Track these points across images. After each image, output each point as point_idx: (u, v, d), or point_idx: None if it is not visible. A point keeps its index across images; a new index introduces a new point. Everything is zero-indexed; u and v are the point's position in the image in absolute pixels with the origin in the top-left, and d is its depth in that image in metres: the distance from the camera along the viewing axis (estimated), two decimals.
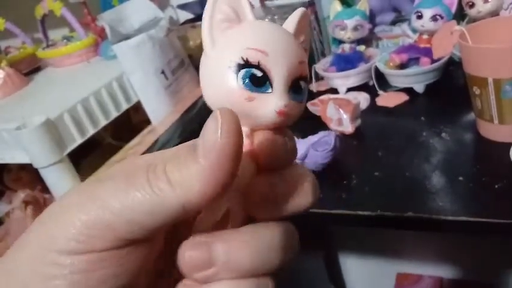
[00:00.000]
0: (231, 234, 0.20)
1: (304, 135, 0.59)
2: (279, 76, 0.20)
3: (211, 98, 0.21)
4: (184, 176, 0.18)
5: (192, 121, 0.77)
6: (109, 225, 0.18)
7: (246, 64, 0.20)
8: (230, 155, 0.18)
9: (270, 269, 0.20)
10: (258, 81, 0.20)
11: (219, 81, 0.21)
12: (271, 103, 0.20)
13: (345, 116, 0.63)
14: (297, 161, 0.57)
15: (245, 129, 0.21)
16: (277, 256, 0.20)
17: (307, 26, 0.24)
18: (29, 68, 1.07)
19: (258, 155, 0.22)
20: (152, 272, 0.22)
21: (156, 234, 0.20)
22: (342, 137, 0.63)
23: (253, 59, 0.20)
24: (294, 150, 0.23)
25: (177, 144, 0.22)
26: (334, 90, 0.77)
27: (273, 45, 0.21)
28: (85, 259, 0.18)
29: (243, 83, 0.20)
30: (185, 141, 0.21)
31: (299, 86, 0.21)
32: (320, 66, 0.79)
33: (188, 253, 0.19)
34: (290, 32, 0.22)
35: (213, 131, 0.18)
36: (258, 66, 0.20)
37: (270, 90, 0.20)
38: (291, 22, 0.23)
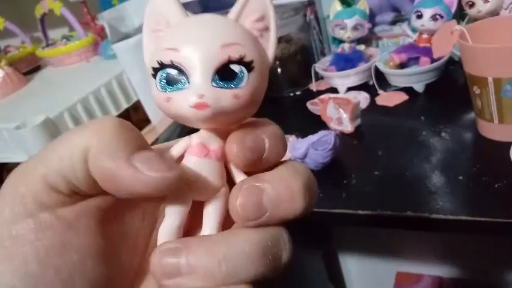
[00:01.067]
0: (201, 241, 0.20)
1: (304, 135, 0.59)
2: (194, 68, 0.19)
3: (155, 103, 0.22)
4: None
5: None
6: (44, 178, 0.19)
7: (160, 67, 0.20)
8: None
9: (246, 278, 0.19)
10: (174, 79, 0.20)
11: (152, 91, 0.21)
12: (185, 99, 0.19)
13: (345, 116, 0.63)
14: (297, 160, 0.57)
15: (204, 133, 0.21)
16: (254, 265, 0.19)
17: (259, 3, 0.21)
18: (28, 68, 1.07)
19: (224, 159, 0.21)
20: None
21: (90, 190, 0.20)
22: (342, 136, 0.63)
23: (165, 59, 0.20)
24: (276, 148, 0.21)
25: None
26: (334, 90, 0.77)
27: (185, 38, 0.20)
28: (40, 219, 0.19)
29: (160, 85, 0.20)
30: None
31: (229, 72, 0.19)
32: (319, 66, 0.79)
33: (157, 259, 0.19)
34: (230, 16, 0.21)
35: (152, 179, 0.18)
36: (171, 65, 0.19)
37: (186, 86, 0.19)
38: (235, 5, 0.21)
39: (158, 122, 0.79)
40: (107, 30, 0.77)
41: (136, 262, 0.22)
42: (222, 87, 0.19)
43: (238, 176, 0.21)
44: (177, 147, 0.22)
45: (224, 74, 0.19)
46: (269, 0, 0.22)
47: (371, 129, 0.65)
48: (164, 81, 0.20)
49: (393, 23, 0.81)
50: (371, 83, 0.75)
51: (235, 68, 0.20)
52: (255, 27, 0.21)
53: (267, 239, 0.19)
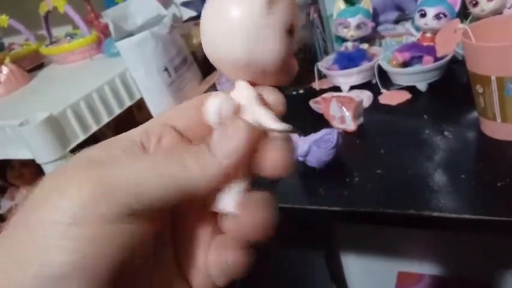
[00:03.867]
0: None
1: (306, 133, 0.59)
2: None
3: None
4: (200, 166, 0.21)
5: None
6: (122, 201, 0.20)
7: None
8: (243, 159, 0.22)
9: None
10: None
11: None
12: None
13: (348, 114, 0.63)
14: (300, 158, 0.57)
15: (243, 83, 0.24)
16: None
17: None
18: (32, 65, 1.08)
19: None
20: (147, 256, 0.23)
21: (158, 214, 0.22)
22: (344, 134, 0.63)
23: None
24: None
25: None
26: (337, 88, 0.77)
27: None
28: (88, 232, 0.19)
29: None
30: None
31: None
32: (322, 64, 0.79)
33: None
34: None
35: (237, 139, 0.21)
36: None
37: None
38: None
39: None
40: (111, 28, 0.77)
41: None
42: None
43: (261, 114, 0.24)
44: (239, 94, 0.24)
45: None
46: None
47: (373, 128, 0.65)
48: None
49: (397, 21, 0.81)
50: (374, 81, 0.75)
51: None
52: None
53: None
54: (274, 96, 0.24)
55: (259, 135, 0.23)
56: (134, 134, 0.23)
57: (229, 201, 0.22)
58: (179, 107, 0.25)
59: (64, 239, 0.19)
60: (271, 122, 0.23)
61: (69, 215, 0.19)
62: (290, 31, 0.23)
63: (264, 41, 0.22)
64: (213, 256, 0.24)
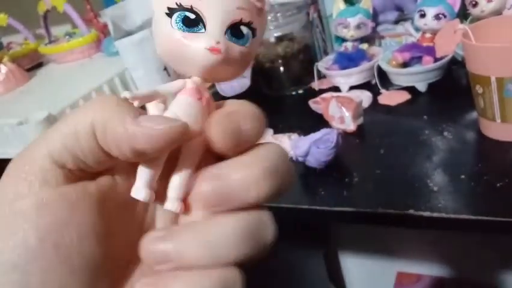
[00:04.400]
0: (187, 229, 0.21)
1: (306, 133, 0.59)
2: (212, 18, 0.22)
3: (159, 48, 0.23)
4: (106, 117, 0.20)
5: None
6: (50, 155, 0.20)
7: (179, 8, 0.22)
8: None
9: (232, 259, 0.20)
10: (191, 22, 0.22)
11: (160, 29, 0.22)
12: (203, 41, 0.22)
13: (347, 114, 0.63)
14: (300, 158, 0.57)
15: (198, 80, 0.23)
16: (237, 247, 0.20)
17: None
18: (31, 64, 1.07)
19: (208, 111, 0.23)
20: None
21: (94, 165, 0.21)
22: (344, 134, 0.63)
23: (185, 3, 0.22)
24: (251, 131, 0.22)
25: None
26: (336, 89, 0.77)
27: None
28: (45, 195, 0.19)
29: (176, 25, 0.22)
30: None
31: (239, 31, 0.22)
32: (322, 65, 0.79)
33: (146, 247, 0.21)
34: None
35: (161, 131, 0.20)
36: (191, 9, 0.22)
37: (202, 30, 0.22)
38: None
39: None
40: (110, 27, 0.77)
41: (133, 242, 0.22)
42: (231, 41, 0.22)
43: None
44: (170, 85, 0.23)
45: (234, 31, 0.22)
46: None
47: (373, 128, 0.65)
48: (181, 22, 0.22)
49: (397, 22, 0.81)
50: (373, 82, 0.75)
51: (244, 29, 0.23)
52: (256, 6, 0.24)
53: (247, 222, 0.21)
54: (241, 107, 0.22)
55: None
56: None
57: (138, 189, 0.22)
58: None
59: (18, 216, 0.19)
60: None
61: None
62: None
63: None
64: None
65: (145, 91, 0.22)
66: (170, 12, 0.22)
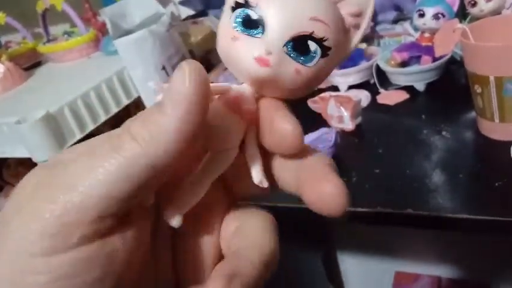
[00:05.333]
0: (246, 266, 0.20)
1: (304, 132, 0.58)
2: (275, 23, 0.19)
3: (217, 43, 0.21)
4: (152, 131, 0.17)
5: None
6: (82, 207, 0.16)
7: (244, 4, 0.19)
8: (199, 104, 0.17)
9: None
10: (251, 23, 0.19)
11: (221, 22, 0.20)
12: (255, 47, 0.19)
13: (346, 114, 0.63)
14: None
15: (247, 89, 0.20)
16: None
17: (361, 4, 0.21)
18: (29, 63, 1.07)
19: (255, 126, 0.21)
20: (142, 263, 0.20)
21: (133, 208, 0.18)
22: (342, 134, 0.63)
23: (252, 1, 0.19)
24: (295, 139, 0.21)
25: None
26: (335, 88, 0.77)
27: None
28: (65, 261, 0.16)
29: (234, 21, 0.19)
30: None
31: (305, 46, 0.19)
32: None
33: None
34: None
35: (180, 82, 0.17)
36: (254, 9, 0.19)
37: (259, 35, 0.19)
38: None
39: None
40: (109, 26, 0.77)
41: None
42: (290, 56, 0.19)
43: (250, 147, 0.21)
44: (215, 86, 0.20)
45: (298, 45, 0.19)
46: (373, 3, 0.21)
47: (371, 128, 0.65)
48: (240, 19, 0.19)
49: (395, 21, 0.81)
50: (372, 81, 0.75)
51: (312, 45, 0.19)
52: (348, 20, 0.21)
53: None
54: (285, 126, 0.20)
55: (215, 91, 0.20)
56: None
57: (171, 215, 0.20)
58: None
59: (32, 273, 0.16)
60: (253, 163, 0.21)
61: (37, 242, 0.16)
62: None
63: None
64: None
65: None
66: (235, 7, 0.19)
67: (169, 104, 0.17)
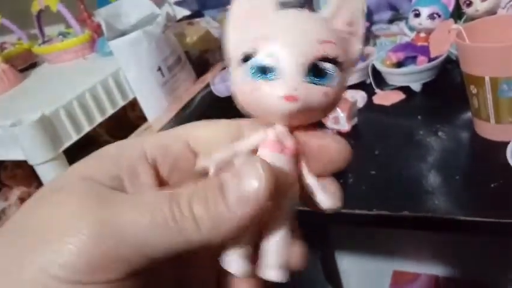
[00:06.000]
0: None
1: None
2: (288, 59, 0.19)
3: (236, 98, 0.21)
4: (213, 218, 0.18)
5: (189, 118, 0.77)
6: (123, 259, 0.17)
7: (252, 54, 0.19)
8: (263, 207, 0.18)
9: None
10: (266, 69, 0.19)
11: (235, 78, 0.20)
12: (279, 88, 0.19)
13: (342, 114, 0.63)
14: None
15: (281, 128, 0.21)
16: None
17: (353, 7, 0.21)
18: (24, 64, 1.07)
19: (303, 155, 0.21)
20: None
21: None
22: (338, 135, 0.62)
23: (260, 48, 0.19)
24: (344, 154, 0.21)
25: None
26: None
27: (283, 30, 0.20)
28: None
29: (250, 73, 0.20)
30: None
31: (321, 68, 0.19)
32: None
33: None
34: (324, 15, 0.21)
35: (254, 186, 0.18)
36: (265, 54, 0.19)
37: (278, 77, 0.19)
38: (330, 5, 0.21)
39: (155, 120, 0.78)
40: (104, 27, 0.76)
41: None
42: (313, 83, 0.19)
43: (308, 177, 0.22)
44: (251, 140, 0.21)
45: (317, 71, 0.19)
46: (362, 7, 0.22)
47: (367, 129, 0.65)
48: (254, 69, 0.19)
49: (391, 21, 0.81)
50: (368, 81, 0.75)
51: (328, 66, 0.19)
52: (344, 30, 0.21)
53: None
54: (336, 146, 0.21)
55: (284, 185, 0.20)
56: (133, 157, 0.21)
57: (233, 261, 0.20)
58: (161, 137, 0.22)
59: None
60: (318, 190, 0.21)
61: (67, 270, 0.17)
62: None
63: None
64: None
65: (223, 153, 0.21)
66: (244, 61, 0.20)
67: (235, 203, 0.18)
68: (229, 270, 0.20)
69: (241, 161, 0.20)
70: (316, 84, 0.19)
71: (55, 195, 0.19)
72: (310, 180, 0.21)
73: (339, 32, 0.21)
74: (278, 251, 0.20)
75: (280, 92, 0.19)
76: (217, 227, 0.18)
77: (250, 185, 0.18)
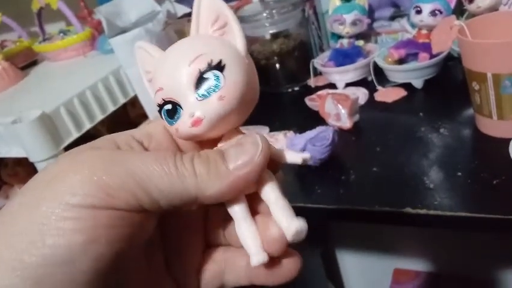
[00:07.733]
0: None
1: (302, 130, 0.58)
2: (179, 95, 0.21)
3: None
4: (211, 174, 0.20)
5: None
6: (130, 190, 0.19)
7: (160, 107, 0.23)
8: (259, 170, 0.21)
9: None
10: (173, 111, 0.22)
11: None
12: (184, 124, 0.22)
13: (344, 111, 0.63)
14: None
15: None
16: None
17: (210, 6, 0.23)
18: (25, 62, 1.06)
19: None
20: (140, 256, 0.23)
21: (159, 214, 0.22)
22: (340, 132, 0.62)
23: (158, 100, 0.22)
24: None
25: None
26: (332, 85, 0.77)
27: (161, 75, 0.22)
28: (107, 214, 0.19)
29: (166, 120, 0.23)
30: None
31: (206, 80, 0.21)
32: (318, 61, 0.79)
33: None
34: (192, 33, 0.23)
35: (252, 152, 0.21)
36: (165, 103, 0.22)
37: (182, 112, 0.22)
38: (192, 19, 0.23)
39: (156, 117, 0.78)
40: (104, 24, 0.76)
41: None
42: (206, 97, 0.21)
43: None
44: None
45: (203, 85, 0.21)
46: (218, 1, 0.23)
47: (369, 125, 0.65)
48: (166, 115, 0.22)
49: (392, 18, 0.81)
50: (369, 78, 0.75)
51: (209, 75, 0.21)
52: (215, 29, 0.23)
53: None
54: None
55: (274, 157, 0.23)
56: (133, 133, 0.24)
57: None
58: (147, 127, 0.25)
59: (68, 219, 0.18)
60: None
61: (80, 195, 0.19)
62: None
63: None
64: (207, 265, 0.25)
65: None
66: (159, 112, 0.23)
67: (233, 161, 0.21)
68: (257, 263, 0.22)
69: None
70: (208, 96, 0.21)
71: (65, 157, 0.21)
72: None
73: (210, 36, 0.23)
74: (254, 237, 0.23)
75: (187, 124, 0.21)
76: (215, 184, 0.20)
77: (251, 148, 0.21)
